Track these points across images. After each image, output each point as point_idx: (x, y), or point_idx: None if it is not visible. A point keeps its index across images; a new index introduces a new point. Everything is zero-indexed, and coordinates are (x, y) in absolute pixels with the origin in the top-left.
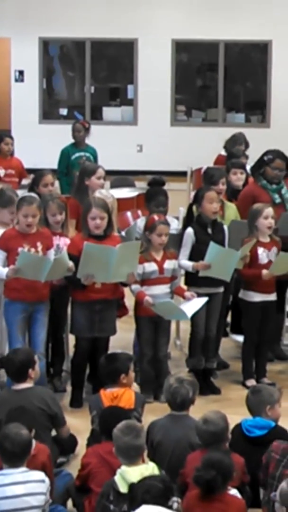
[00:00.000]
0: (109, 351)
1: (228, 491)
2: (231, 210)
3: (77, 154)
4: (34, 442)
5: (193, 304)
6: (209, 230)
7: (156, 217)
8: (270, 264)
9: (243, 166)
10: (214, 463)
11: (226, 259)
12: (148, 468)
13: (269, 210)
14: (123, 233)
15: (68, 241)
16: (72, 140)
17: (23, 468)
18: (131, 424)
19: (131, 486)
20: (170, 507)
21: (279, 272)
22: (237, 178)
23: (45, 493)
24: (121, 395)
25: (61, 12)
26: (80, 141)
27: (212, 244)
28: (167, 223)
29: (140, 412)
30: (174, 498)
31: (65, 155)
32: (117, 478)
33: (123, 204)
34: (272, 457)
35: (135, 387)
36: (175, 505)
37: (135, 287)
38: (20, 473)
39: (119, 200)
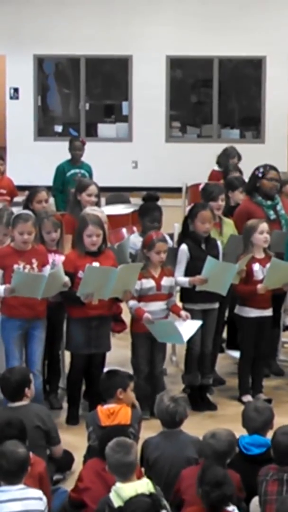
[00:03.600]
0: (106, 368)
1: (227, 507)
2: (229, 226)
3: (72, 171)
4: (31, 456)
5: (189, 328)
6: (203, 246)
7: (154, 234)
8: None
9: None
10: (220, 482)
11: (223, 273)
12: (142, 485)
13: (264, 225)
14: (115, 245)
15: (63, 258)
16: (67, 157)
17: (21, 486)
18: (122, 442)
19: (125, 504)
20: None
21: (273, 285)
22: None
23: (43, 510)
24: (117, 411)
25: (55, 29)
26: (77, 158)
27: (209, 258)
28: (165, 240)
29: (137, 428)
30: None
31: (60, 171)
32: (111, 495)
33: (118, 220)
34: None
35: (137, 404)
36: None
37: (133, 303)
38: (18, 490)
39: (114, 216)
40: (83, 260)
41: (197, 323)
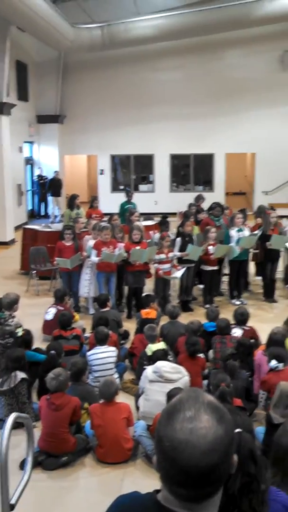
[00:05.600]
0: (144, 293)
1: (198, 355)
2: (196, 229)
3: (127, 206)
4: (110, 332)
5: (179, 272)
6: (187, 239)
7: (164, 233)
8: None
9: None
10: (194, 343)
11: (195, 251)
12: (160, 345)
13: (213, 229)
14: (148, 240)
15: (123, 245)
16: (124, 199)
17: (105, 346)
18: (151, 326)
19: (152, 353)
20: (169, 360)
21: (218, 255)
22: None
23: (115, 356)
24: (150, 312)
25: (119, 141)
26: (130, 200)
27: (189, 245)
28: (169, 236)
29: (158, 321)
30: (170, 357)
31: (122, 206)
32: (147, 349)
33: (149, 227)
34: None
35: (159, 309)
36: (171, 359)
37: (155, 265)
38: (105, 347)
39: (147, 226)
40: (132, 245)
41: (183, 270)
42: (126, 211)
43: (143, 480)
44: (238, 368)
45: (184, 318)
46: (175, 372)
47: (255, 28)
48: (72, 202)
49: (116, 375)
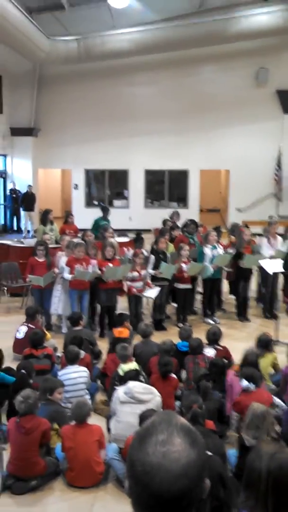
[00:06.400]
0: (117, 312)
1: (170, 375)
2: (171, 247)
3: (102, 222)
4: (83, 352)
5: (154, 291)
6: (161, 256)
7: (138, 251)
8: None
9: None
10: (167, 363)
11: (169, 269)
12: (133, 365)
13: (186, 247)
14: (121, 257)
15: (96, 261)
16: (99, 214)
17: (76, 366)
18: (124, 345)
19: (124, 374)
20: (141, 381)
21: (192, 273)
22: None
23: (87, 376)
24: (123, 331)
25: (92, 155)
26: (105, 216)
27: (162, 263)
28: (143, 253)
29: (131, 340)
30: (142, 378)
31: (97, 222)
32: (118, 369)
33: (122, 244)
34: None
35: (131, 328)
36: (143, 380)
37: (128, 283)
38: (76, 367)
39: (121, 242)
40: (105, 262)
41: (158, 289)
42: (100, 228)
43: (114, 505)
44: (210, 389)
45: (157, 337)
46: (146, 393)
47: (230, 44)
48: (45, 217)
49: (87, 396)
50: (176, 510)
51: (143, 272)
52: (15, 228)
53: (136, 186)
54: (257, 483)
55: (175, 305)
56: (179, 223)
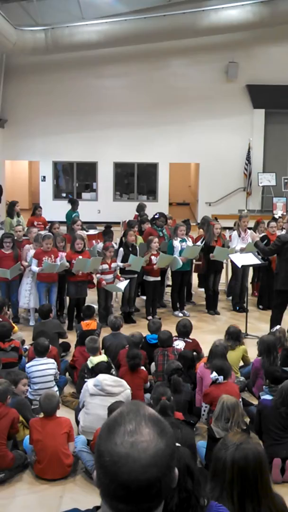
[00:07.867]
0: (86, 304)
1: (139, 368)
2: (140, 239)
3: (74, 214)
4: (50, 346)
5: (123, 284)
6: (130, 249)
7: (108, 244)
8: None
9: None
10: (135, 356)
11: (137, 262)
12: (102, 357)
13: (156, 239)
14: (90, 249)
15: (65, 254)
16: (68, 208)
17: (45, 358)
18: (93, 338)
19: (94, 366)
20: (111, 374)
21: (161, 265)
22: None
23: (55, 368)
24: (90, 323)
25: (61, 148)
26: (75, 208)
27: (131, 255)
28: (113, 247)
29: (99, 331)
30: (113, 371)
31: (68, 215)
32: (88, 361)
33: (91, 237)
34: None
35: (97, 320)
36: (114, 372)
37: (98, 275)
38: (44, 359)
39: (90, 235)
40: (74, 255)
41: (126, 282)
42: (70, 219)
43: (83, 496)
44: (182, 384)
45: (127, 330)
46: (116, 386)
47: (201, 38)
48: (11, 209)
49: (55, 388)
50: (145, 500)
51: (113, 264)
52: None
53: (105, 179)
54: (223, 473)
55: (144, 298)
56: (148, 216)
